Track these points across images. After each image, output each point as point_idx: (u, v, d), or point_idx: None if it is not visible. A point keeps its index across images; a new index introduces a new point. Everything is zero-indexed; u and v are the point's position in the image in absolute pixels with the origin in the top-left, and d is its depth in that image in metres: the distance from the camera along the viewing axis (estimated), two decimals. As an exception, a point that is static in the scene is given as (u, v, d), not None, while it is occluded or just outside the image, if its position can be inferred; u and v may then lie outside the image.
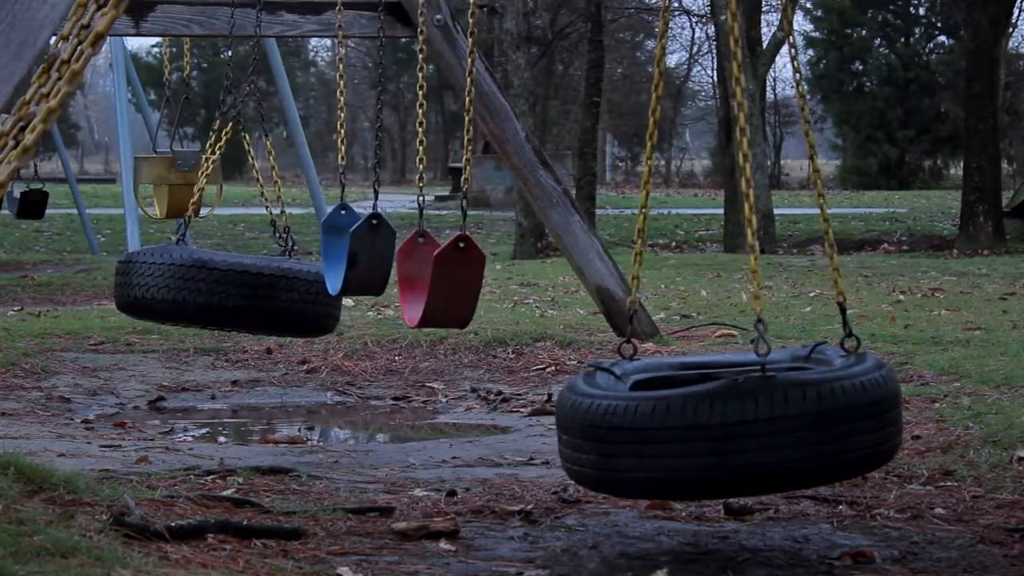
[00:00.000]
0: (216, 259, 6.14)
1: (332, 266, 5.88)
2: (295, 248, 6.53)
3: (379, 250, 5.74)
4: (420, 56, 6.01)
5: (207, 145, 6.86)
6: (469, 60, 5.49)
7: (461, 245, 5.31)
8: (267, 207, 6.70)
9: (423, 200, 5.81)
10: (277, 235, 6.59)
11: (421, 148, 5.71)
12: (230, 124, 6.74)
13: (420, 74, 5.86)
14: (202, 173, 6.75)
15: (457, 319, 5.56)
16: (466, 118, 5.60)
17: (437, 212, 29.29)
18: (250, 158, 6.96)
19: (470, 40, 5.53)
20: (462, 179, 5.55)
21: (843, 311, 3.97)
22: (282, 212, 6.59)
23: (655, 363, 4.09)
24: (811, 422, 3.61)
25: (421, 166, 5.77)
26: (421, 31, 5.97)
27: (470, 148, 5.66)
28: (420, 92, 5.74)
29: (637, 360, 4.02)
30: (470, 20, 5.47)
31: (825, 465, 3.68)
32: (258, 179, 6.84)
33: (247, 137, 6.84)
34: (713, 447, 3.59)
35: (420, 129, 5.67)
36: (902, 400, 3.90)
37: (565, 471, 3.95)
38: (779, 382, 3.62)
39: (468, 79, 5.50)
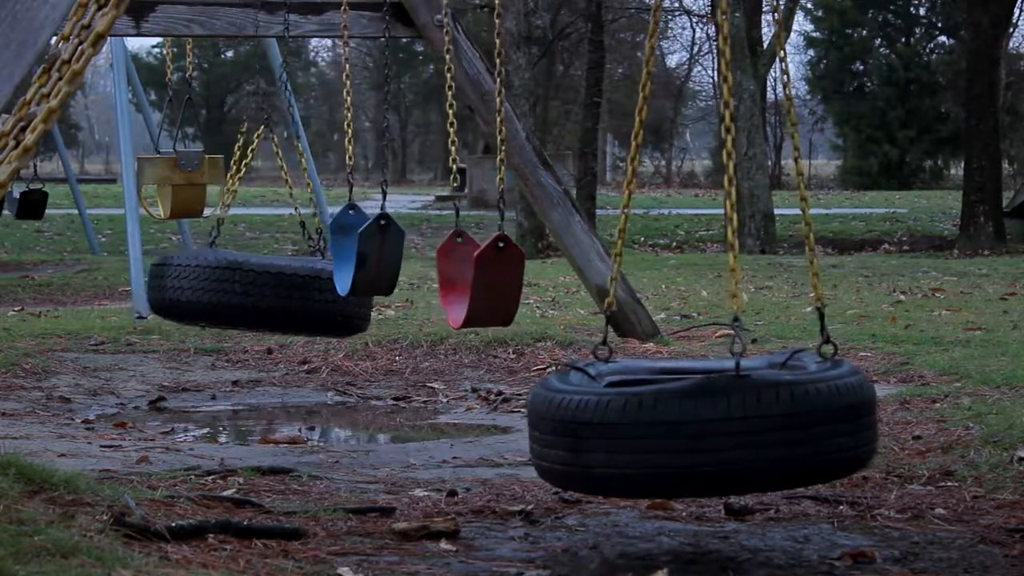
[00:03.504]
0: (252, 261, 6.18)
1: (341, 266, 5.90)
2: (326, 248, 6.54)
3: (387, 250, 5.76)
4: (447, 57, 6.04)
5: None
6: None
7: (500, 245, 5.35)
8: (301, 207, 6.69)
9: (457, 202, 5.86)
10: (308, 236, 6.64)
11: (454, 148, 5.76)
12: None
13: (448, 74, 5.90)
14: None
15: (500, 318, 5.60)
16: (497, 118, 5.65)
17: (438, 212, 29.32)
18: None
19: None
20: (497, 179, 5.61)
21: (821, 317, 3.96)
22: (314, 213, 6.58)
23: (631, 366, 4.08)
24: (784, 423, 3.59)
25: (454, 166, 5.83)
26: (446, 31, 6.00)
27: (502, 150, 5.71)
28: (449, 93, 5.79)
29: (613, 363, 4.00)
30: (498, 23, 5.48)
31: (798, 467, 3.65)
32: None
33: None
34: (684, 445, 3.56)
35: (451, 130, 5.73)
36: (877, 406, 3.88)
37: (535, 468, 3.92)
38: (752, 381, 3.60)
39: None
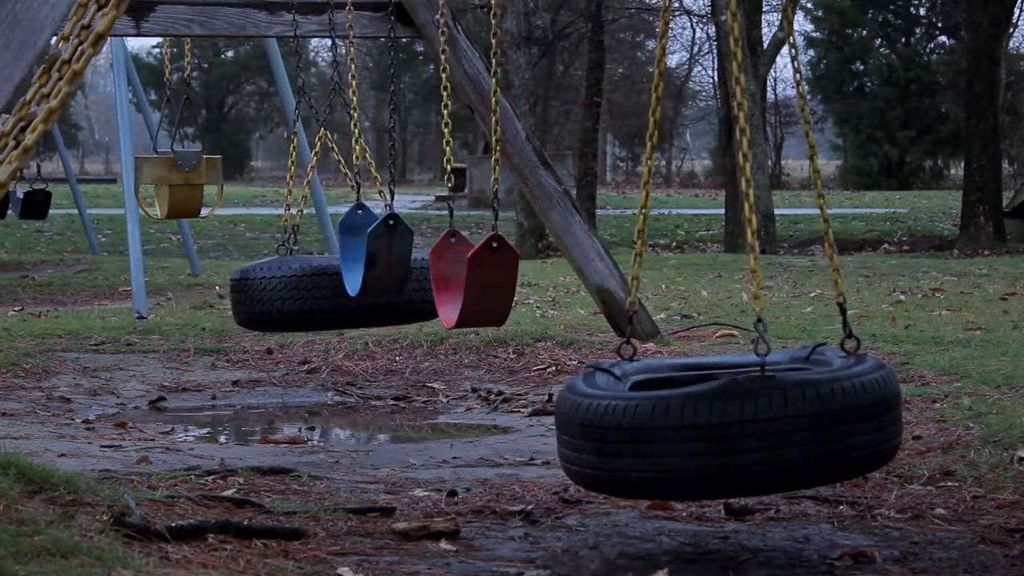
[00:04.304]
0: (336, 264, 6.19)
1: (350, 266, 5.90)
2: None
3: (396, 250, 5.76)
4: (443, 57, 6.04)
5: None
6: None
7: (494, 245, 5.34)
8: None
9: (452, 202, 5.87)
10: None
11: (448, 149, 5.76)
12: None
13: (444, 75, 5.92)
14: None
15: (494, 319, 5.60)
16: (493, 119, 5.65)
17: (438, 212, 29.33)
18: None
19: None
20: (491, 179, 5.63)
21: (843, 312, 3.97)
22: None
23: (655, 364, 4.09)
24: (811, 422, 3.60)
25: (449, 166, 5.83)
26: (442, 31, 5.99)
27: (498, 150, 5.73)
28: (444, 93, 5.79)
29: (637, 361, 4.01)
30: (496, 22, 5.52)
31: (825, 465, 3.68)
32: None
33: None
34: (713, 447, 3.59)
35: (446, 130, 5.73)
36: (902, 400, 3.90)
37: (564, 471, 3.95)
38: (779, 382, 3.62)
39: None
